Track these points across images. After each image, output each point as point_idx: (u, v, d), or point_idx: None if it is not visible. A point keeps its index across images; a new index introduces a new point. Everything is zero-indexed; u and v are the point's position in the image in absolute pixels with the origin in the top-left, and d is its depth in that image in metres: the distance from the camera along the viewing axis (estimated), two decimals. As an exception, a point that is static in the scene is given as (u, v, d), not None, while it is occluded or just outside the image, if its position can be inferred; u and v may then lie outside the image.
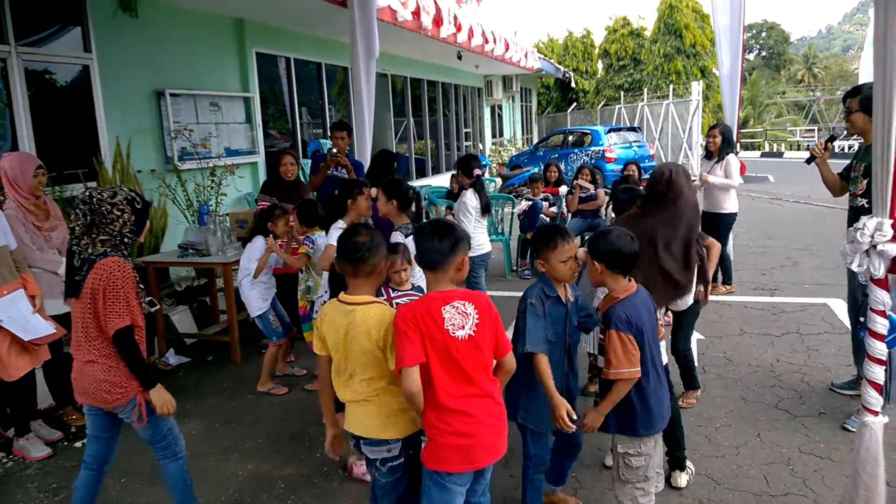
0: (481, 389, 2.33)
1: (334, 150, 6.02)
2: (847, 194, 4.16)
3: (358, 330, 2.38)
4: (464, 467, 2.33)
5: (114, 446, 3.02)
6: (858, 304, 4.17)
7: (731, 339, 5.52)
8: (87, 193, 2.71)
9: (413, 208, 4.50)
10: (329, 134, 6.34)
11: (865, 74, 15.44)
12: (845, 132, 4.22)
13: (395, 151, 13.46)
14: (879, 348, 2.51)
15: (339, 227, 4.18)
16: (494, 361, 2.42)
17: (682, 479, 3.40)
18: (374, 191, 4.45)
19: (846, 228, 4.08)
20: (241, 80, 8.71)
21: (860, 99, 3.76)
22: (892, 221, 2.40)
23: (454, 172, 6.86)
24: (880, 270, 2.43)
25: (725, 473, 3.50)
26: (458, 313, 2.29)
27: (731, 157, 6.63)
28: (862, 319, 3.97)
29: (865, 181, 3.81)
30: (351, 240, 2.45)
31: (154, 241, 6.38)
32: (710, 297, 6.56)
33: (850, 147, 16.92)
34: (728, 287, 6.92)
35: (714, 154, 6.68)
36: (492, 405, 2.36)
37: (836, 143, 17.01)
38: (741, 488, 3.35)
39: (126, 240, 2.75)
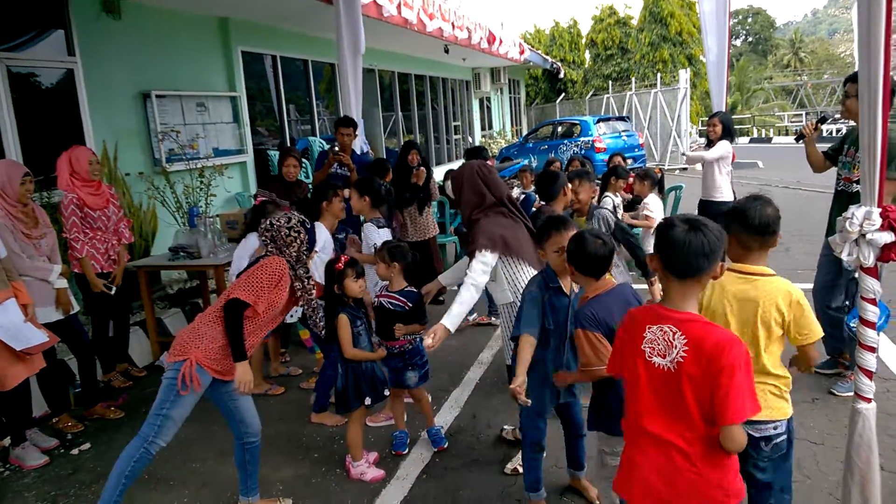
0: (662, 434, 1.94)
1: (336, 148, 5.97)
2: (836, 175, 4.26)
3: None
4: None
5: (236, 407, 3.17)
6: (829, 286, 4.29)
7: (724, 328, 5.54)
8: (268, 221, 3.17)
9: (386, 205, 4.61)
10: (334, 130, 6.25)
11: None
12: (836, 116, 4.34)
13: (385, 147, 13.45)
14: (870, 336, 2.52)
15: (319, 228, 4.22)
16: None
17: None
18: (346, 192, 4.51)
19: (830, 210, 4.29)
20: (227, 79, 8.67)
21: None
22: (880, 210, 2.41)
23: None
24: (870, 259, 2.44)
25: (721, 462, 3.52)
26: (664, 339, 1.93)
27: (722, 142, 6.61)
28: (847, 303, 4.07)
29: None
30: (756, 210, 2.32)
31: (144, 245, 6.36)
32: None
33: (838, 131, 17.01)
34: (720, 275, 6.92)
35: (714, 142, 6.69)
36: (671, 458, 1.93)
37: (826, 127, 17.09)
38: (737, 477, 3.37)
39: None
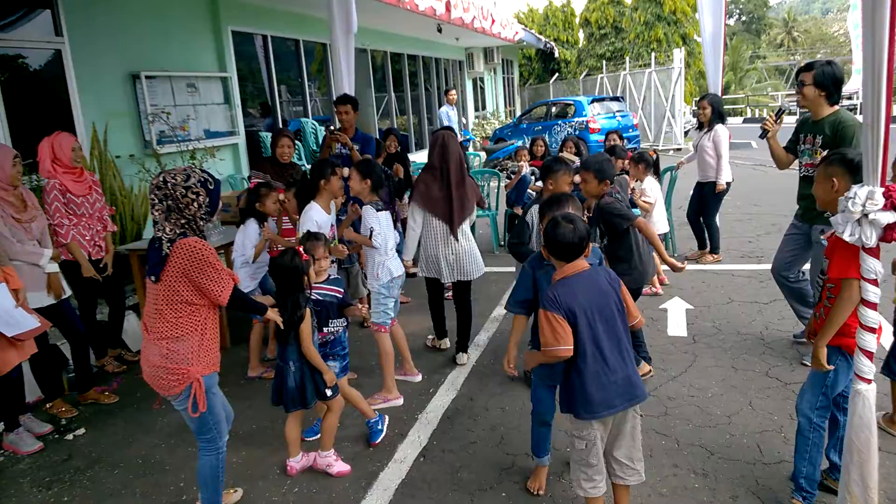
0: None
1: (332, 128, 5.88)
2: (798, 166, 4.45)
3: None
4: None
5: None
6: (789, 262, 4.50)
7: (720, 308, 5.55)
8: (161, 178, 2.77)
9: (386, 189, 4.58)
10: (333, 109, 6.14)
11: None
12: (793, 106, 4.48)
13: (378, 128, 13.35)
14: (871, 316, 2.51)
15: (313, 208, 4.16)
16: None
17: (464, 357, 4.80)
18: (346, 171, 4.43)
19: (798, 193, 4.45)
20: (217, 59, 8.55)
21: (814, 74, 4.06)
22: (882, 190, 2.38)
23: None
24: (872, 239, 2.41)
25: (719, 443, 3.52)
26: None
27: (719, 127, 6.66)
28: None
29: (825, 152, 4.02)
30: None
31: (136, 228, 6.29)
32: (698, 267, 6.67)
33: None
34: (715, 256, 6.95)
35: (706, 125, 6.73)
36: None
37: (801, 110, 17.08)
38: (735, 457, 3.38)
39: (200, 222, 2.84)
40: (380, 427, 3.81)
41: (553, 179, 3.99)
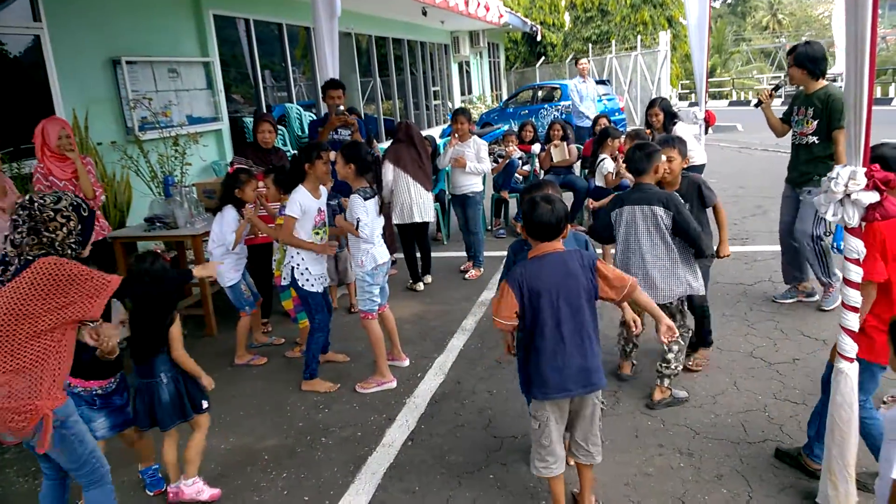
0: None
1: (340, 108, 5.77)
2: (791, 135, 4.89)
3: None
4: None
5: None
6: (791, 223, 4.90)
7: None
8: (27, 198, 2.48)
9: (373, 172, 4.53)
10: (322, 95, 6.03)
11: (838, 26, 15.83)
12: (786, 83, 4.95)
13: (364, 113, 13.25)
14: (853, 296, 2.53)
15: (299, 192, 4.12)
16: None
17: (428, 278, 6.32)
18: (332, 154, 4.40)
19: (790, 159, 4.93)
20: (199, 44, 8.43)
21: (795, 56, 4.60)
22: (865, 170, 2.40)
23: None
24: (854, 219, 2.43)
25: (704, 423, 3.56)
26: None
27: (677, 127, 6.25)
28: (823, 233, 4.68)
29: (815, 122, 4.58)
30: None
31: (120, 216, 6.23)
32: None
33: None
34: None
35: (660, 130, 6.33)
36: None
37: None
38: (720, 437, 3.42)
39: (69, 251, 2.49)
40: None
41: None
